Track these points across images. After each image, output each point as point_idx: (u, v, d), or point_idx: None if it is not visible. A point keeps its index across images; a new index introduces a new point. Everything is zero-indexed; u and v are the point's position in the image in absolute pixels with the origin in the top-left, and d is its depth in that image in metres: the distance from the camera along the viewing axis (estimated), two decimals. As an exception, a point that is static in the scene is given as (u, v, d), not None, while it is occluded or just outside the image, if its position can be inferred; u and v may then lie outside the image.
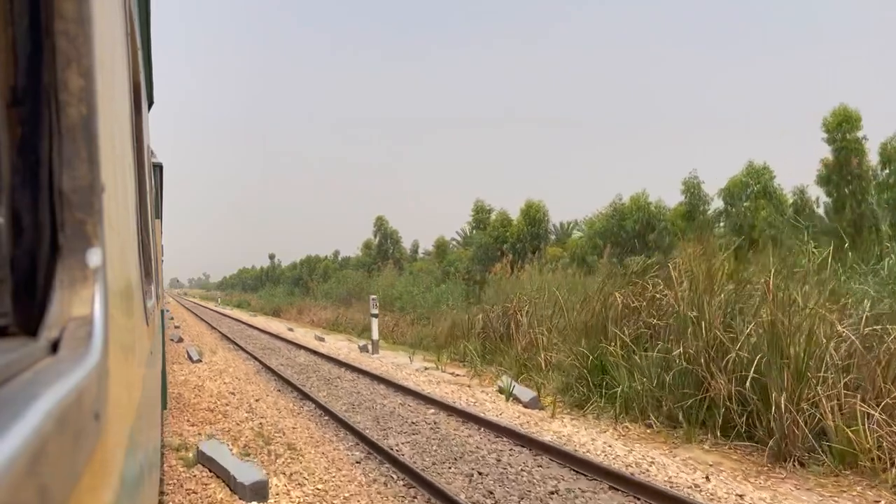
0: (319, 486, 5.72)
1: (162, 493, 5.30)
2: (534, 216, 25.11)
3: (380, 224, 40.06)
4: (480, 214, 29.72)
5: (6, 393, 0.42)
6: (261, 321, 33.08)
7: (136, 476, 1.05)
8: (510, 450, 6.92)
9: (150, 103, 4.48)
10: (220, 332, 24.55)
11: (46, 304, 0.57)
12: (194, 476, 6.00)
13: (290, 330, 25.83)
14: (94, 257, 0.62)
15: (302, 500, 5.40)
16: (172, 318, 30.29)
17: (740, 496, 5.40)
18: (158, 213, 6.86)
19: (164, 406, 7.41)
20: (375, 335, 16.70)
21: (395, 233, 39.83)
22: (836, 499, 5.46)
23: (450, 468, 6.30)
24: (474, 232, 29.76)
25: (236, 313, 43.61)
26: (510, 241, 25.19)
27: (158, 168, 7.04)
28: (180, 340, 19.52)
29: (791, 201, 19.01)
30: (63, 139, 0.60)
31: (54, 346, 0.55)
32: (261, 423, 8.24)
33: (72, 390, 0.47)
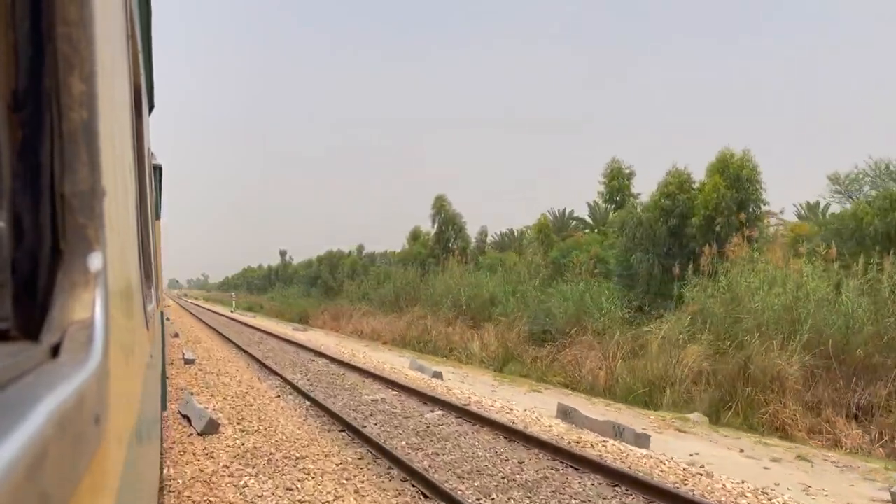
0: None
1: (162, 496, 5.29)
2: (735, 174, 15.53)
3: (439, 206, 30.63)
4: (618, 181, 20.27)
5: (7, 397, 0.42)
6: (330, 342, 20.52)
7: (136, 480, 1.04)
8: None
9: (151, 107, 4.48)
10: (286, 381, 11.75)
11: (47, 308, 0.57)
12: None
13: (436, 376, 13.01)
14: (95, 261, 0.63)
15: None
16: (177, 336, 20.79)
17: None
18: (158, 215, 6.87)
19: (163, 408, 7.40)
20: None
21: (458, 217, 30.78)
22: None
23: None
24: (612, 207, 20.94)
25: (262, 322, 32.58)
26: (700, 212, 15.55)
27: (157, 169, 7.05)
28: (214, 429, 7.75)
29: None
30: (64, 143, 0.60)
31: (55, 350, 0.55)
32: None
33: (72, 394, 0.47)
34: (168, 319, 19.16)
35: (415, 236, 33.75)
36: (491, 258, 26.94)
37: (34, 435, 0.38)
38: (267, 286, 68.65)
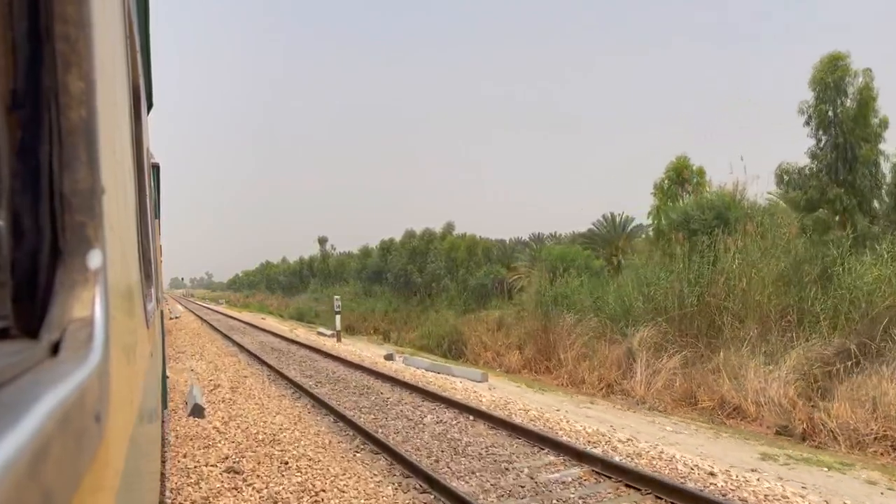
0: None
1: (163, 494, 5.29)
2: None
3: (839, 77, 12.52)
4: None
5: (7, 395, 0.42)
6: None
7: (137, 477, 1.05)
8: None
9: (150, 106, 4.47)
10: None
11: (47, 307, 0.57)
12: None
13: None
14: (94, 259, 0.63)
15: None
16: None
17: None
18: (157, 214, 6.85)
19: (164, 407, 7.40)
20: None
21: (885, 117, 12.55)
22: None
23: None
24: None
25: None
26: None
27: (156, 168, 7.03)
28: None
29: None
30: (63, 142, 0.60)
31: (55, 348, 0.55)
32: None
33: (73, 392, 0.47)
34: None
35: (679, 175, 15.94)
36: None
37: (35, 433, 0.39)
38: (297, 284, 53.97)
